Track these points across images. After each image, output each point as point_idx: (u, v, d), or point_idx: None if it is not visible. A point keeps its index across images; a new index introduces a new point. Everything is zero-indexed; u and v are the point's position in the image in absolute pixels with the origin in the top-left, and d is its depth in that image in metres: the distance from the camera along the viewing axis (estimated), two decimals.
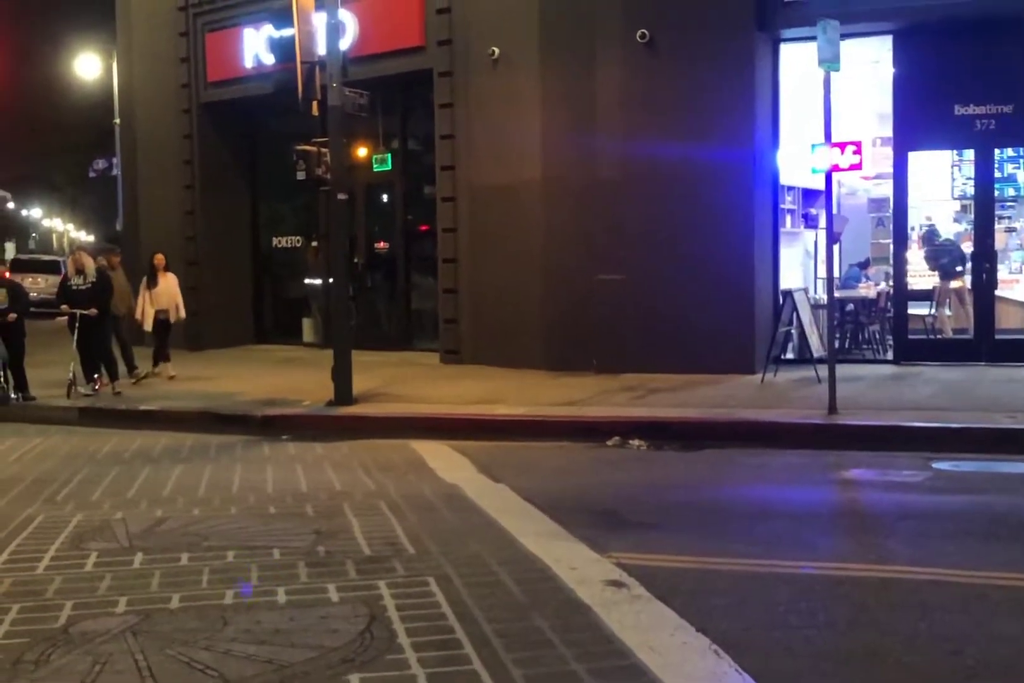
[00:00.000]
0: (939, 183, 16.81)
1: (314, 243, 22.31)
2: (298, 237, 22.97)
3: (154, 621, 5.70)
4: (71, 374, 15.15)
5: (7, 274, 17.25)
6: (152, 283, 17.17)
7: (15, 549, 7.34)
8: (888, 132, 16.35)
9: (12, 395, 15.12)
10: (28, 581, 6.55)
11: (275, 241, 23.28)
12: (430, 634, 5.37)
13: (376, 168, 20.73)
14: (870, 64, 16.45)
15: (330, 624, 5.59)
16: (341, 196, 14.08)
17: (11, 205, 79.94)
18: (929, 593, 5.91)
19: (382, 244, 21.49)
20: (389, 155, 20.69)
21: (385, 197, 21.59)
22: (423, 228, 20.25)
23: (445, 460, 10.51)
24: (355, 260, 20.81)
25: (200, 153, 22.70)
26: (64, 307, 15.63)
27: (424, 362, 18.34)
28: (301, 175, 17.37)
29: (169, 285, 17.31)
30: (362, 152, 20.56)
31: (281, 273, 23.61)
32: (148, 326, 17.13)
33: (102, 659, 5.15)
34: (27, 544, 7.48)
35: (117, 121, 26.62)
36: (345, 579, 6.41)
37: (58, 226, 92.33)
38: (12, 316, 15.19)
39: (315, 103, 13.95)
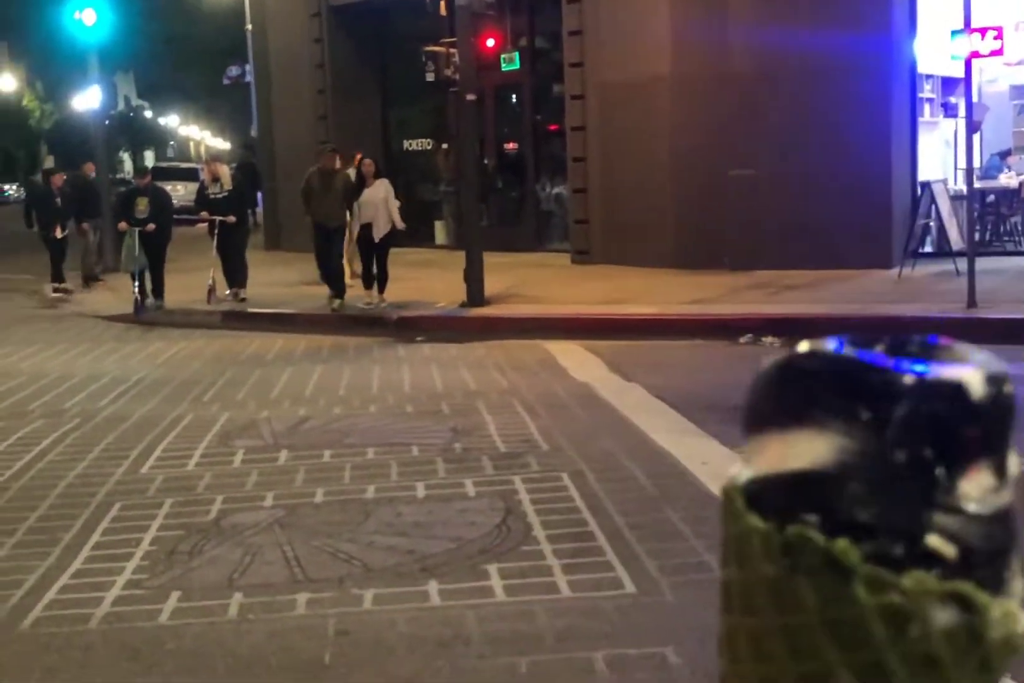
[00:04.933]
0: None
1: (444, 145, 22.32)
2: (428, 140, 22.98)
3: (300, 514, 5.94)
4: (211, 280, 15.50)
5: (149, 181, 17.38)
6: (357, 193, 15.09)
7: (166, 447, 7.66)
8: None
9: (155, 301, 15.55)
10: (180, 477, 6.85)
11: (406, 144, 23.32)
12: (565, 527, 5.51)
13: (504, 68, 20.53)
14: None
15: (468, 517, 5.76)
16: (470, 97, 14.05)
17: (149, 114, 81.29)
18: None
19: (511, 145, 21.42)
20: (517, 54, 20.46)
21: (514, 97, 21.46)
22: (552, 128, 20.11)
23: (577, 359, 10.60)
24: (485, 161, 20.78)
25: (331, 57, 22.74)
26: (204, 214, 15.98)
27: (555, 263, 18.35)
28: (430, 77, 17.36)
29: (376, 194, 14.78)
30: (490, 51, 20.39)
31: (412, 176, 23.67)
32: (352, 240, 15.77)
33: (252, 550, 5.40)
34: (177, 442, 7.79)
35: (249, 27, 26.73)
36: (481, 474, 6.58)
37: (194, 134, 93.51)
38: (150, 227, 15.50)
39: (443, 3, 13.90)
